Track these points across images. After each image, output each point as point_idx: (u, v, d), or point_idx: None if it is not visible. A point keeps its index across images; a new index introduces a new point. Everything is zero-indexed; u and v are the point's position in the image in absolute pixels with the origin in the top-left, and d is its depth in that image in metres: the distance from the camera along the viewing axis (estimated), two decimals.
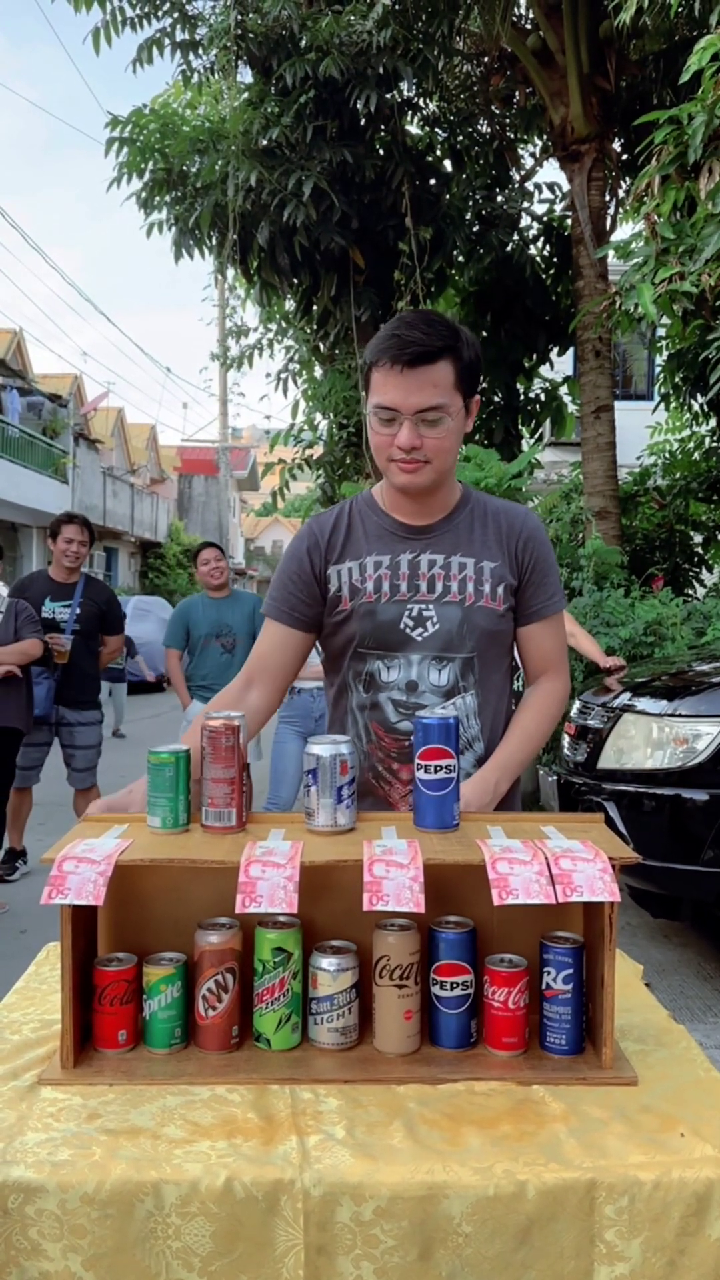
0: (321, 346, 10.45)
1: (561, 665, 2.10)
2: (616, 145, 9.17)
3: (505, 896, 1.44)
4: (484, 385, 10.91)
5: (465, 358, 1.88)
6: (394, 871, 1.47)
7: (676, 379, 9.07)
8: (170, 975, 1.56)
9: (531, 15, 8.85)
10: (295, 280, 9.63)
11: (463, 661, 1.96)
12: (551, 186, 10.58)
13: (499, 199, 10.39)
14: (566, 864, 1.49)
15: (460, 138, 10.32)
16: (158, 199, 9.23)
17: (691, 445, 10.28)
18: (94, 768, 5.60)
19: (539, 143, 10.61)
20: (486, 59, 10.11)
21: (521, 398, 10.94)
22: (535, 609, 2.03)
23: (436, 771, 1.64)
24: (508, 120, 10.51)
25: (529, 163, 10.85)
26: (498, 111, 10.47)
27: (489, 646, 1.98)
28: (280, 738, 5.42)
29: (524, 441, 10.92)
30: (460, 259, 10.23)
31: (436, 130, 10.28)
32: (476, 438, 10.52)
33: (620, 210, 9.42)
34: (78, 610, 5.48)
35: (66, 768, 5.59)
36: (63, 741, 5.52)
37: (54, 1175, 1.27)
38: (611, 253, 6.86)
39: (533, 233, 10.63)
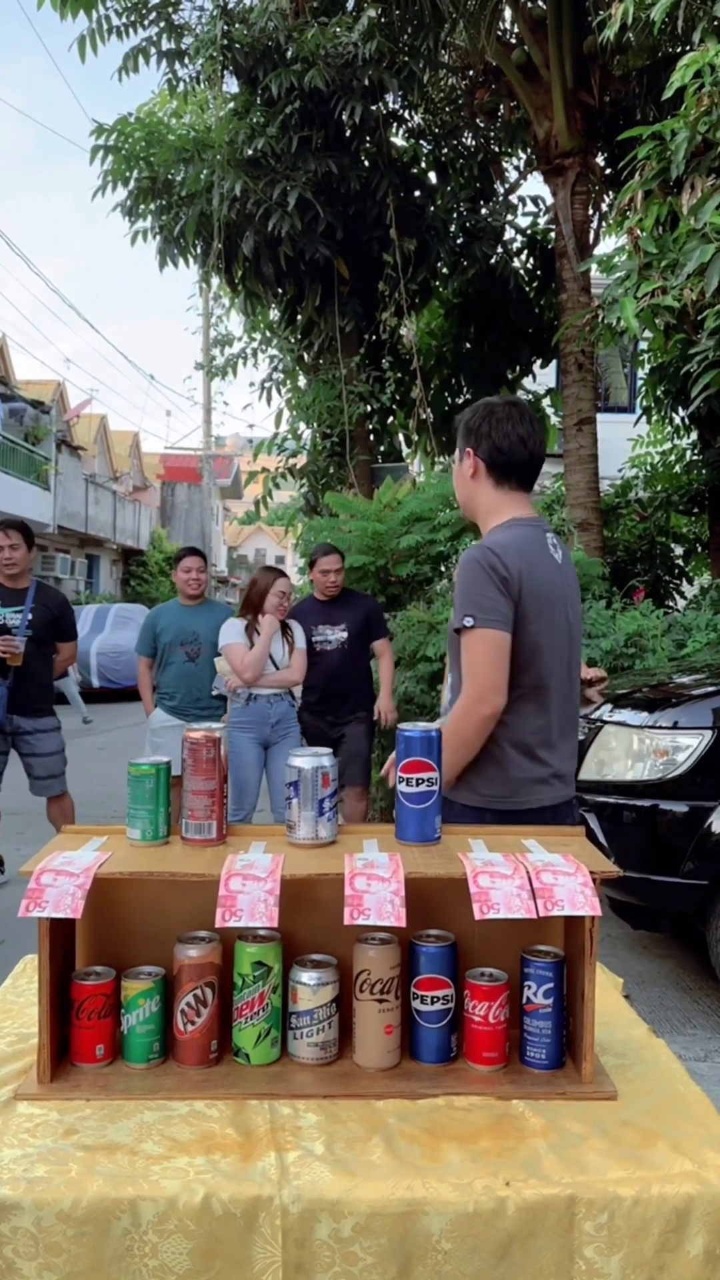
0: (306, 356, 10.46)
1: (465, 680, 2.20)
2: (600, 160, 9.24)
3: (486, 911, 1.44)
4: (467, 396, 10.95)
5: None
6: (375, 885, 1.46)
7: (658, 392, 9.12)
8: (149, 989, 1.55)
9: (517, 30, 8.91)
10: (280, 290, 9.65)
11: None
12: (535, 200, 10.68)
13: (483, 212, 10.45)
14: (548, 878, 1.49)
15: (445, 150, 10.38)
16: (142, 207, 9.23)
17: (673, 458, 10.34)
18: (61, 774, 5.44)
19: (523, 156, 10.68)
20: (472, 73, 10.17)
21: None
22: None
23: (418, 784, 1.64)
24: (492, 134, 10.58)
25: (513, 176, 10.93)
26: (482, 125, 10.53)
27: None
28: (236, 746, 5.28)
29: None
30: (444, 271, 10.28)
31: (421, 142, 10.34)
32: None
33: (603, 224, 9.49)
34: (29, 615, 5.29)
35: (29, 777, 5.43)
36: (21, 751, 5.35)
37: (29, 1192, 1.25)
38: (595, 266, 6.90)
39: (516, 246, 10.70)
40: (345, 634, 5.52)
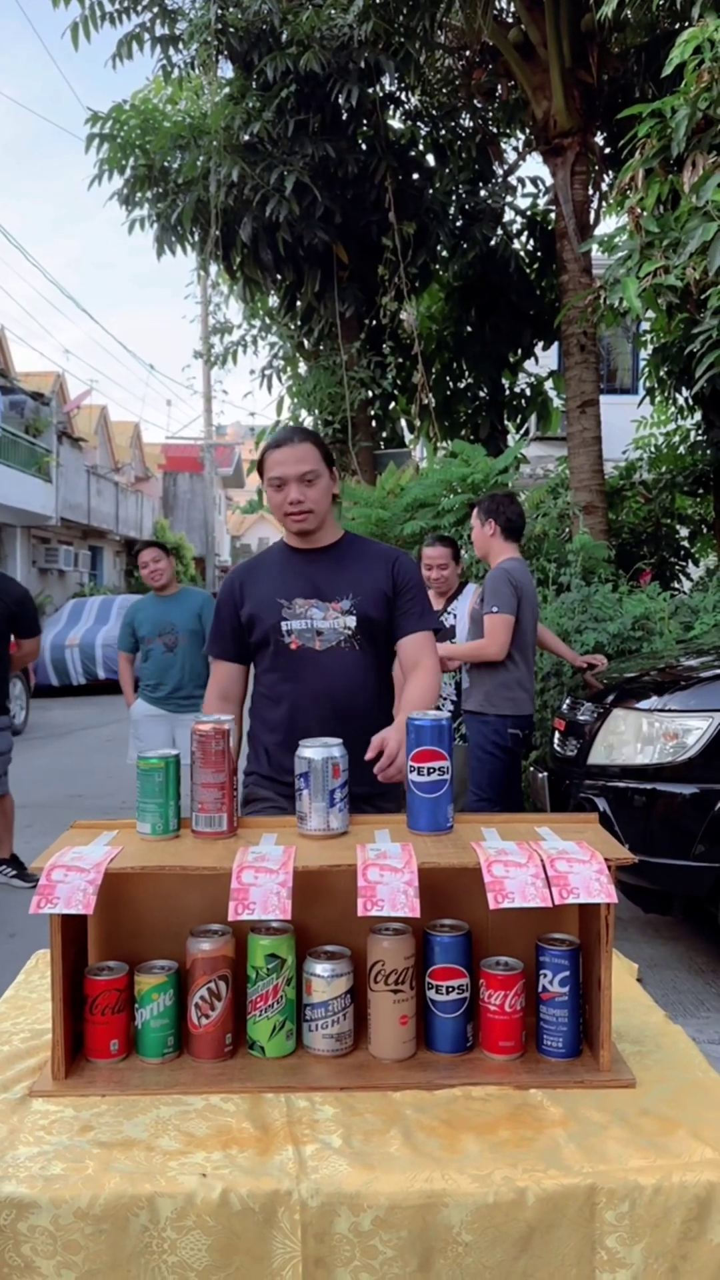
0: (305, 343, 10.40)
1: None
2: (599, 139, 9.15)
3: (501, 900, 1.43)
4: (469, 380, 10.90)
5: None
6: (388, 876, 1.45)
7: (661, 373, 9.06)
8: (162, 984, 1.54)
9: (513, 8, 8.82)
10: (278, 276, 9.59)
11: None
12: (535, 181, 10.59)
13: (482, 193, 10.36)
14: (562, 866, 1.48)
15: (443, 132, 10.29)
16: (139, 195, 9.18)
17: (677, 439, 10.28)
18: (5, 774, 5.21)
19: (522, 137, 10.58)
20: (468, 53, 10.08)
21: (507, 393, 10.93)
22: None
23: (429, 774, 1.62)
24: (490, 114, 10.48)
25: (512, 157, 10.82)
26: (480, 105, 10.43)
27: None
28: None
29: (510, 436, 10.91)
30: (444, 254, 10.20)
31: (419, 125, 10.24)
32: (463, 433, 10.51)
33: (604, 204, 9.41)
34: None
35: None
36: None
37: (46, 1190, 1.25)
38: (596, 247, 6.84)
39: (516, 227, 10.62)
40: (353, 619, 2.52)
